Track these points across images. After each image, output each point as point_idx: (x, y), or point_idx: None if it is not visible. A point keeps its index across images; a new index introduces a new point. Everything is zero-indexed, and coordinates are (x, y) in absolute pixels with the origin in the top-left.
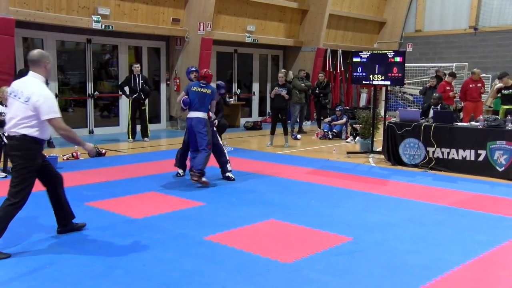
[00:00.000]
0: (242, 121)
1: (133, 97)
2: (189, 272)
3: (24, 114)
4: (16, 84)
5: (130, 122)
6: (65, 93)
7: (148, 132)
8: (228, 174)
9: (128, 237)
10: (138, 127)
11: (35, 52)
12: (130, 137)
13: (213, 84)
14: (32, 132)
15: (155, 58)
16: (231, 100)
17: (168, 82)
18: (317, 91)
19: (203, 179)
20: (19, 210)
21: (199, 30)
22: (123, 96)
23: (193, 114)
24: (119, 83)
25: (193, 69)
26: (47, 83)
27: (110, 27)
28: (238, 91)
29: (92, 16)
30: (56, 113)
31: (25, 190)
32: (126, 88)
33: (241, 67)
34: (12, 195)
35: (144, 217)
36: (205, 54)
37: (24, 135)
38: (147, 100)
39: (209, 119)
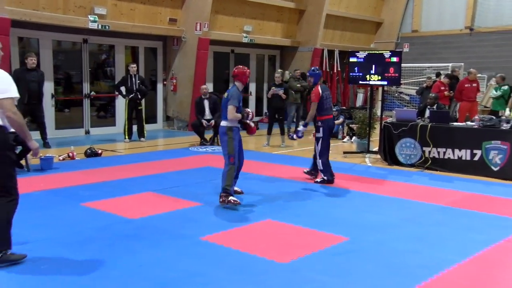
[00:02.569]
0: None
1: (130, 97)
2: (185, 272)
3: None
4: None
5: (126, 122)
6: (61, 93)
7: (145, 132)
8: None
9: (124, 238)
10: (135, 127)
11: None
12: (127, 137)
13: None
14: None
15: (152, 58)
16: None
17: (165, 82)
18: None
19: (230, 198)
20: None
21: (196, 30)
22: (120, 96)
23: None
24: (116, 83)
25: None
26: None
27: (107, 27)
28: None
29: (89, 16)
30: (10, 93)
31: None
32: (123, 88)
33: None
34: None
35: (140, 217)
36: (202, 54)
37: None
38: (143, 100)
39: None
